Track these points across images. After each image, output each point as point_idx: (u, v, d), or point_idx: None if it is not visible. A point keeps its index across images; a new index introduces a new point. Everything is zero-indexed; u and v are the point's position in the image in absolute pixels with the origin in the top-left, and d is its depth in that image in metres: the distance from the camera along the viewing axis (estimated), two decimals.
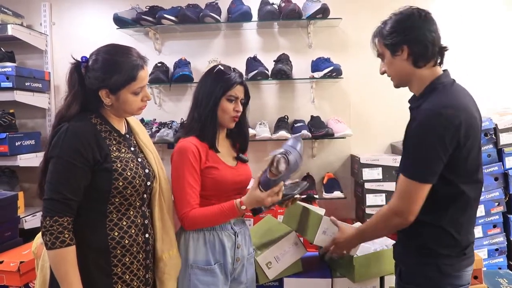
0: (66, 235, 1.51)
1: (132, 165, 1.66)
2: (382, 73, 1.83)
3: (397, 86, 1.82)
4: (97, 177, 1.58)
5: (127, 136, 1.76)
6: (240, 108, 1.90)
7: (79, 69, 1.63)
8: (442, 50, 1.69)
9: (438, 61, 1.69)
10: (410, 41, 1.65)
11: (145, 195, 1.72)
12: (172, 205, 1.86)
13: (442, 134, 1.53)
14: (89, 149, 1.56)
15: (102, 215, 1.62)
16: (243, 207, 1.76)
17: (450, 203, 1.64)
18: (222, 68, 1.90)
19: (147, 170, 1.73)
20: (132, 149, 1.74)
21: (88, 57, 1.64)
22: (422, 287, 1.67)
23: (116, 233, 1.62)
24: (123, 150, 1.68)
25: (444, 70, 1.71)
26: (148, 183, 1.72)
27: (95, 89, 1.61)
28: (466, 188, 1.62)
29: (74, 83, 1.63)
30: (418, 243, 1.69)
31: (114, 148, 1.65)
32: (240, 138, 2.02)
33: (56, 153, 1.54)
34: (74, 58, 1.64)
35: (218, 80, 1.87)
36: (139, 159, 1.73)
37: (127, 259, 1.64)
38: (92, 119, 1.65)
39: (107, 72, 1.59)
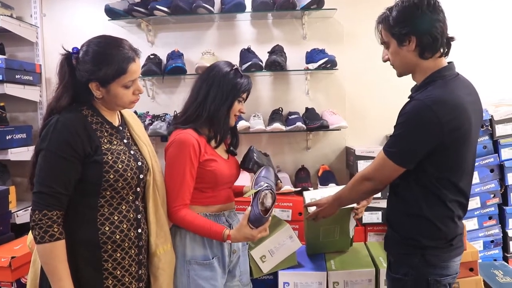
0: (55, 229, 1.49)
1: (124, 157, 1.64)
2: (385, 60, 1.79)
3: (400, 75, 1.80)
4: (87, 169, 1.57)
5: (120, 128, 1.74)
6: (244, 109, 1.97)
7: (69, 61, 1.60)
8: (448, 40, 1.65)
9: (444, 52, 1.66)
10: (419, 32, 1.60)
11: (138, 189, 1.70)
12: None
13: (427, 127, 1.56)
14: (79, 141, 1.54)
15: (93, 209, 1.59)
16: (228, 241, 1.79)
17: (429, 195, 1.66)
18: (238, 68, 1.94)
19: (140, 163, 1.70)
20: (125, 141, 1.72)
21: (79, 48, 1.61)
22: (409, 277, 1.69)
23: (107, 228, 1.60)
24: (115, 142, 1.66)
25: (449, 62, 1.69)
26: (141, 176, 1.70)
27: (85, 82, 1.59)
28: (441, 183, 1.64)
29: (64, 74, 1.61)
30: (404, 235, 1.72)
31: (106, 140, 1.62)
32: (232, 133, 2.06)
33: (45, 145, 1.52)
34: (65, 49, 1.62)
35: (238, 82, 1.89)
36: (132, 152, 1.70)
37: (118, 255, 1.62)
38: (83, 111, 1.63)
39: (97, 65, 1.56)
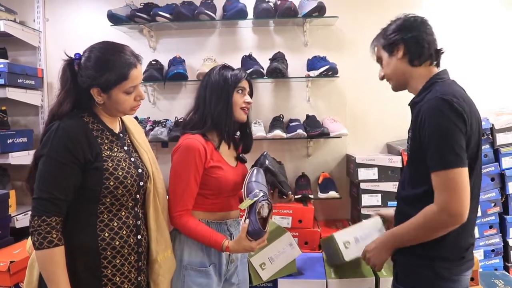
0: (54, 235, 1.48)
1: (124, 164, 1.63)
2: (382, 78, 1.86)
3: (395, 88, 1.83)
4: (87, 176, 1.56)
5: (121, 135, 1.74)
6: (249, 98, 1.93)
7: (72, 66, 1.61)
8: (438, 52, 1.74)
9: (434, 62, 1.72)
10: (406, 39, 1.70)
11: (137, 196, 1.70)
12: (167, 206, 1.84)
13: (455, 120, 1.51)
14: (79, 147, 1.53)
15: (93, 215, 1.59)
16: (226, 253, 1.81)
17: None
18: (226, 64, 1.93)
19: (140, 170, 1.70)
20: (126, 148, 1.72)
21: (81, 54, 1.61)
22: None
23: (106, 234, 1.59)
24: (116, 149, 1.66)
25: (442, 70, 1.72)
26: (141, 183, 1.69)
27: (86, 87, 1.59)
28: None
29: (66, 80, 1.61)
30: (413, 245, 1.65)
31: (106, 147, 1.63)
32: (245, 138, 2.03)
33: (45, 151, 1.52)
34: (67, 55, 1.62)
35: (227, 74, 1.88)
36: (132, 159, 1.70)
37: (117, 261, 1.61)
38: (84, 118, 1.62)
39: (99, 70, 1.56)
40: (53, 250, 1.48)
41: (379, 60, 1.84)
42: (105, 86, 1.58)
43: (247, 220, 1.73)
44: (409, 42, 1.70)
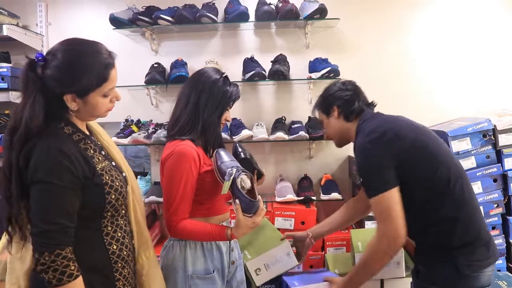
0: (72, 267, 1.36)
1: (114, 173, 1.53)
2: (327, 137, 2.17)
3: (338, 144, 2.13)
4: (88, 194, 1.44)
5: (93, 138, 1.60)
6: (230, 117, 1.98)
7: (34, 69, 1.39)
8: (370, 105, 2.05)
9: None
10: (337, 101, 2.01)
11: (126, 200, 1.61)
12: (144, 206, 1.78)
13: (376, 151, 1.75)
14: (78, 165, 1.40)
15: (98, 231, 1.50)
16: (234, 239, 1.84)
17: (434, 199, 1.75)
18: (226, 75, 1.93)
19: (124, 174, 1.61)
20: (103, 153, 1.57)
21: (44, 54, 1.41)
22: (438, 286, 1.74)
23: (114, 246, 1.52)
24: (100, 158, 1.52)
25: (365, 111, 2.00)
26: (128, 188, 1.60)
27: (58, 94, 1.41)
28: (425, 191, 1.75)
29: (28, 86, 1.39)
30: (432, 241, 1.78)
31: (97, 160, 1.50)
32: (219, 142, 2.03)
33: (40, 177, 1.34)
34: (27, 57, 1.40)
35: (227, 90, 1.88)
36: (113, 163, 1.59)
37: (125, 271, 1.56)
38: (64, 129, 1.46)
39: (73, 75, 1.39)
40: (73, 283, 1.36)
41: (322, 122, 2.14)
42: (82, 91, 1.42)
43: (237, 200, 1.72)
44: (340, 102, 2.00)
